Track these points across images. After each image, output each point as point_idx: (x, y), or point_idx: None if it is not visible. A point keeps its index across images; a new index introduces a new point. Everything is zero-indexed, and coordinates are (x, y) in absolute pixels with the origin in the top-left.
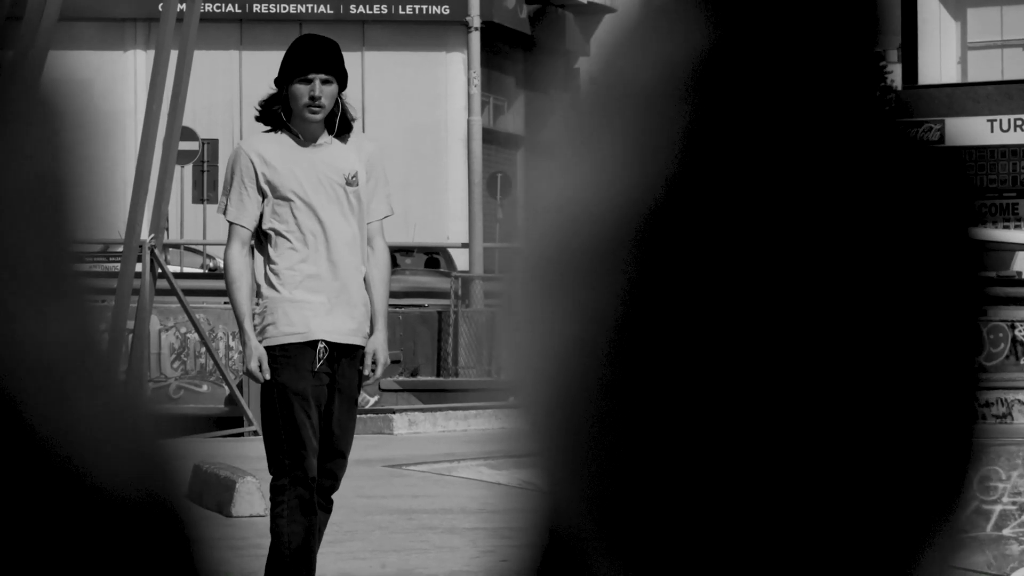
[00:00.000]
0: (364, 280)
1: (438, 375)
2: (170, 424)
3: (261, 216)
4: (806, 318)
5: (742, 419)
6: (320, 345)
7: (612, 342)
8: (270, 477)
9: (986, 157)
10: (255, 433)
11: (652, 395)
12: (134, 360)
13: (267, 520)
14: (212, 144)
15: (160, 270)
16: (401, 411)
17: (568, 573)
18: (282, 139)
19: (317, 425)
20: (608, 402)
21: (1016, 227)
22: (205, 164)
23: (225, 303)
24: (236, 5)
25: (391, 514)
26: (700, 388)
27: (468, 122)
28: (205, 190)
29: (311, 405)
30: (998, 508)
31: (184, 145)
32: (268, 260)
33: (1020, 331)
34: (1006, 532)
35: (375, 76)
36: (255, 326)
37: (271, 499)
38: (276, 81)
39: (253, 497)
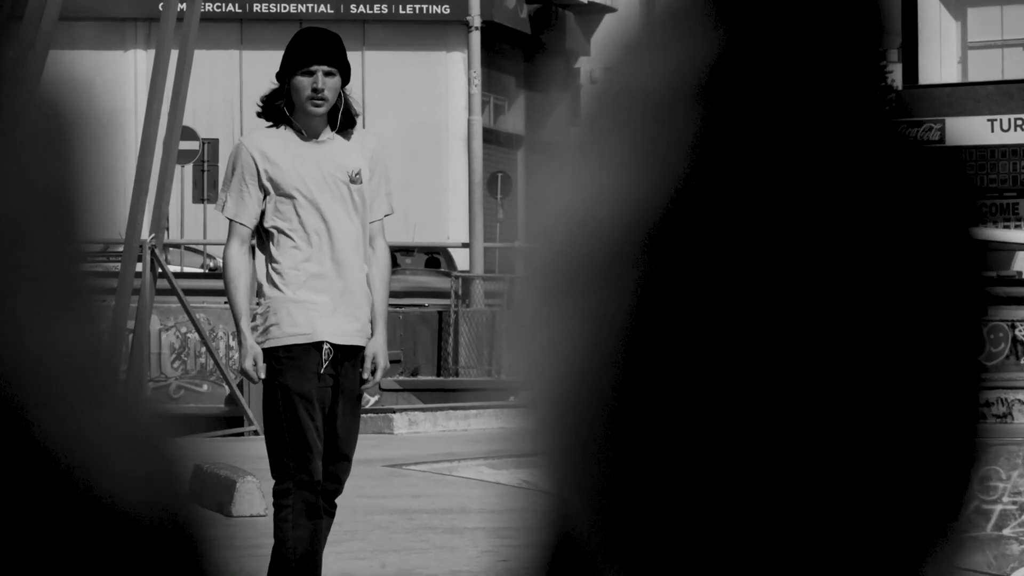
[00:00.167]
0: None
1: (438, 375)
2: (175, 426)
3: (264, 214)
4: (812, 321)
5: (748, 422)
6: (325, 347)
7: (621, 347)
8: (271, 477)
9: (986, 157)
10: (255, 433)
11: (660, 400)
12: (134, 360)
13: (267, 520)
14: (212, 144)
15: (160, 270)
16: (401, 411)
17: (575, 575)
18: (285, 134)
19: (321, 428)
20: (616, 406)
21: (1016, 227)
22: (205, 164)
23: (226, 303)
24: (236, 5)
25: (391, 514)
26: (707, 392)
27: (468, 122)
28: (205, 190)
29: (315, 407)
30: (998, 508)
31: (184, 145)
32: (270, 259)
33: (1020, 331)
34: (1006, 532)
35: (375, 76)
36: (256, 326)
37: (275, 504)
38: (278, 75)
39: (253, 497)
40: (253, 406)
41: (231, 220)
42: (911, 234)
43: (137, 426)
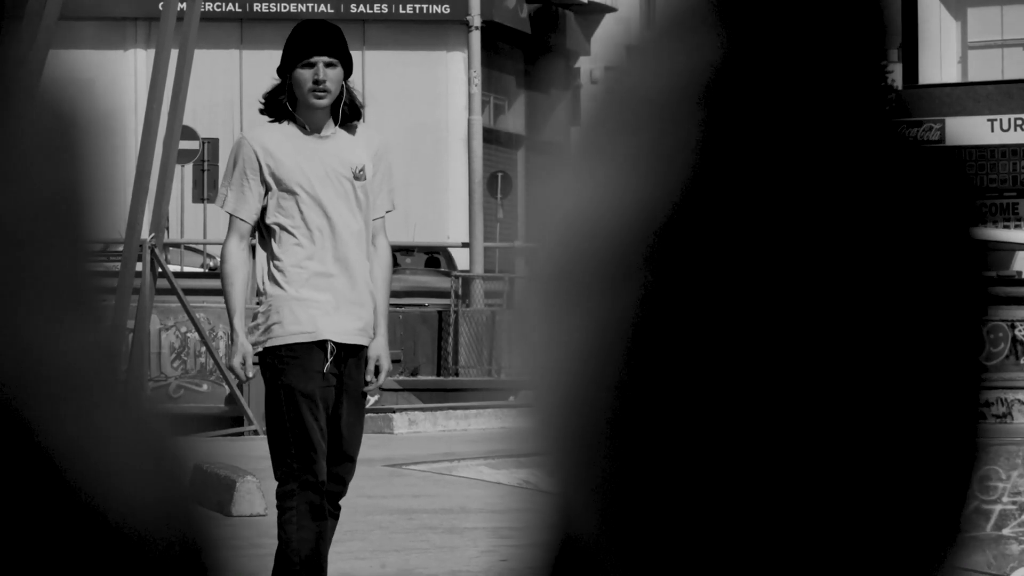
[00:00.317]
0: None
1: (438, 374)
2: (178, 425)
3: (265, 210)
4: (814, 321)
5: (751, 422)
6: (329, 346)
7: (625, 348)
8: (270, 476)
9: (986, 157)
10: (255, 432)
11: (664, 401)
12: (134, 360)
13: (267, 520)
14: (212, 143)
15: (160, 269)
16: (401, 410)
17: (580, 575)
18: (287, 129)
19: (325, 428)
20: (620, 407)
21: (1016, 227)
22: (205, 163)
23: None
24: (236, 4)
25: (391, 514)
26: (710, 392)
27: (468, 121)
28: (205, 189)
29: (319, 407)
30: (998, 508)
31: (184, 144)
32: (272, 256)
33: (1020, 331)
34: (1006, 532)
35: (375, 75)
36: (258, 325)
37: (279, 506)
38: (279, 70)
39: (253, 497)
40: (253, 406)
41: (231, 215)
42: (911, 234)
43: (141, 426)
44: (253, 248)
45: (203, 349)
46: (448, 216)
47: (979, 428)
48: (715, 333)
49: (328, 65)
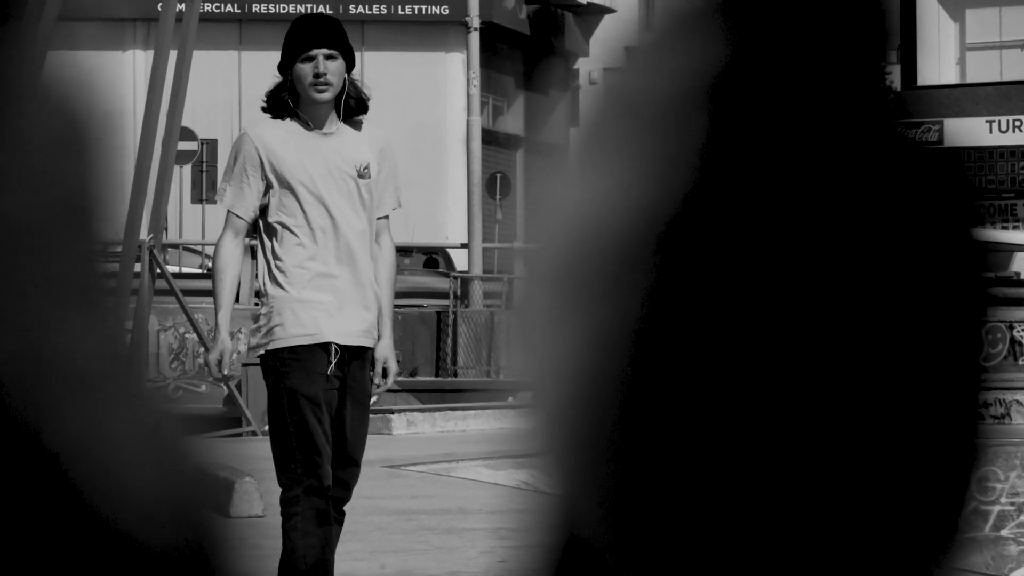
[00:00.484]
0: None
1: (437, 375)
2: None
3: (267, 209)
4: (815, 322)
5: (752, 421)
6: (332, 348)
7: (630, 349)
8: (269, 477)
9: (985, 158)
10: (253, 433)
11: (669, 400)
12: (133, 361)
13: (266, 521)
14: (211, 144)
15: (159, 270)
16: (400, 411)
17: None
18: (290, 126)
19: (329, 432)
20: (625, 407)
21: (1015, 228)
22: (204, 164)
23: None
24: (235, 5)
25: (390, 515)
26: (712, 392)
27: (467, 122)
28: (204, 190)
29: (323, 410)
30: (996, 509)
31: (183, 145)
32: (274, 256)
33: (1018, 332)
34: (1004, 533)
35: (374, 76)
36: (259, 327)
37: (283, 512)
38: (279, 67)
39: (252, 498)
40: (252, 407)
41: (228, 211)
42: (911, 235)
43: (149, 427)
44: (253, 249)
45: (202, 350)
46: (447, 217)
47: (978, 429)
48: (717, 333)
49: (328, 58)
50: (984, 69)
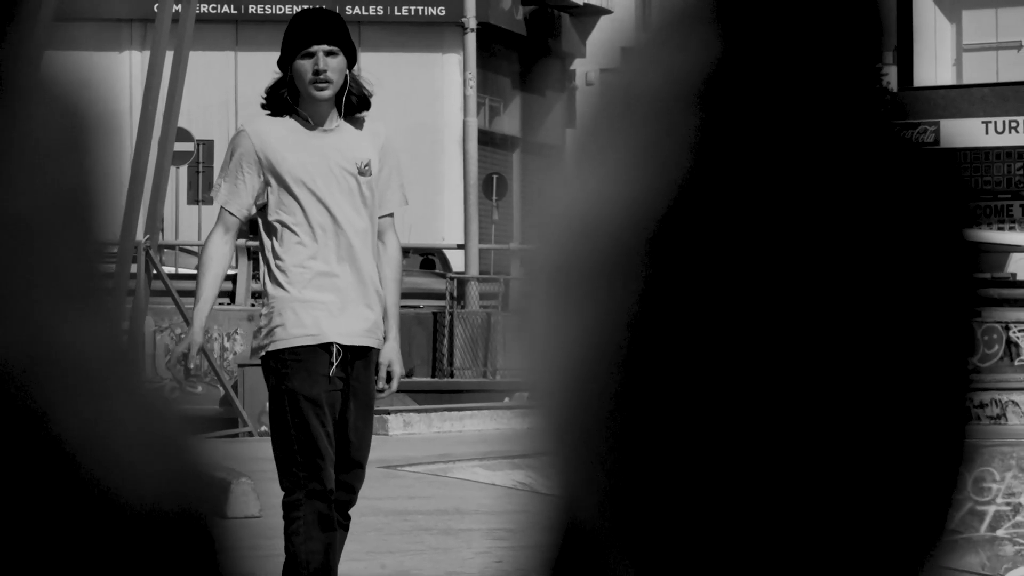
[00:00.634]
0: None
1: (433, 376)
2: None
3: (266, 207)
4: (808, 321)
5: (746, 417)
6: (334, 348)
7: (626, 345)
8: (265, 478)
9: (981, 159)
10: (249, 434)
11: (666, 396)
12: None
13: (262, 522)
14: (207, 145)
15: (155, 271)
16: (396, 412)
17: (586, 573)
18: (289, 123)
19: (332, 434)
20: (622, 403)
21: (1010, 229)
22: (200, 165)
23: (220, 304)
24: (232, 6)
25: (386, 515)
26: (706, 389)
27: (464, 123)
28: (200, 191)
29: (325, 412)
30: (992, 509)
31: (179, 146)
32: (275, 256)
33: (1014, 332)
34: (1000, 533)
35: (371, 77)
36: (260, 328)
37: (285, 516)
38: (279, 63)
39: (248, 498)
40: (248, 407)
41: (221, 207)
42: (905, 235)
43: (156, 423)
44: (250, 250)
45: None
46: (443, 218)
47: (968, 429)
48: (711, 331)
49: (329, 54)
50: (980, 70)
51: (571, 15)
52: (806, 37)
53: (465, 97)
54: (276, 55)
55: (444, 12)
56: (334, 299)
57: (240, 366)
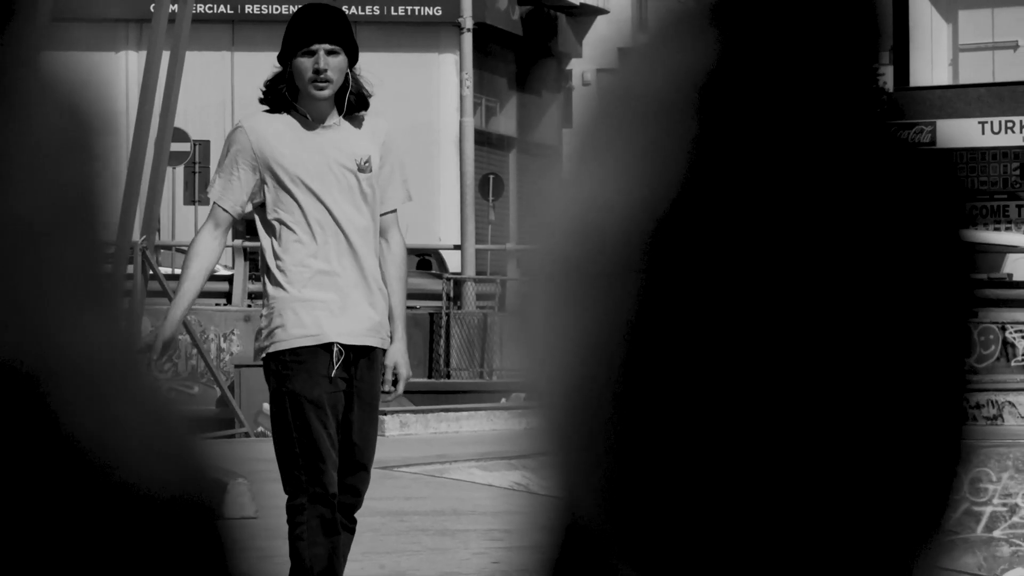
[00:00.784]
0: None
1: (429, 377)
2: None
3: (264, 206)
4: (806, 321)
5: (746, 418)
6: (335, 348)
7: (626, 347)
8: (261, 478)
9: (977, 159)
10: (246, 435)
11: (664, 396)
12: None
13: (257, 522)
14: (204, 145)
15: (151, 271)
16: (392, 413)
17: (586, 573)
18: (287, 119)
19: (335, 436)
20: (622, 404)
21: (1007, 229)
22: (197, 165)
23: (216, 304)
24: (228, 6)
25: (383, 516)
26: (706, 389)
27: (460, 123)
28: (197, 191)
29: (328, 414)
30: (988, 510)
31: (176, 146)
32: (275, 256)
33: (1011, 333)
34: (996, 534)
35: (367, 77)
36: (261, 330)
37: (288, 521)
38: (279, 57)
39: (244, 499)
40: (244, 408)
41: (213, 202)
42: (901, 236)
43: (163, 423)
44: (245, 251)
45: (194, 351)
46: (439, 218)
47: (965, 428)
48: (710, 332)
49: (330, 53)
50: (977, 70)
51: (567, 15)
52: (804, 40)
53: (461, 97)
54: (273, 55)
55: (440, 12)
56: (335, 298)
57: (237, 366)
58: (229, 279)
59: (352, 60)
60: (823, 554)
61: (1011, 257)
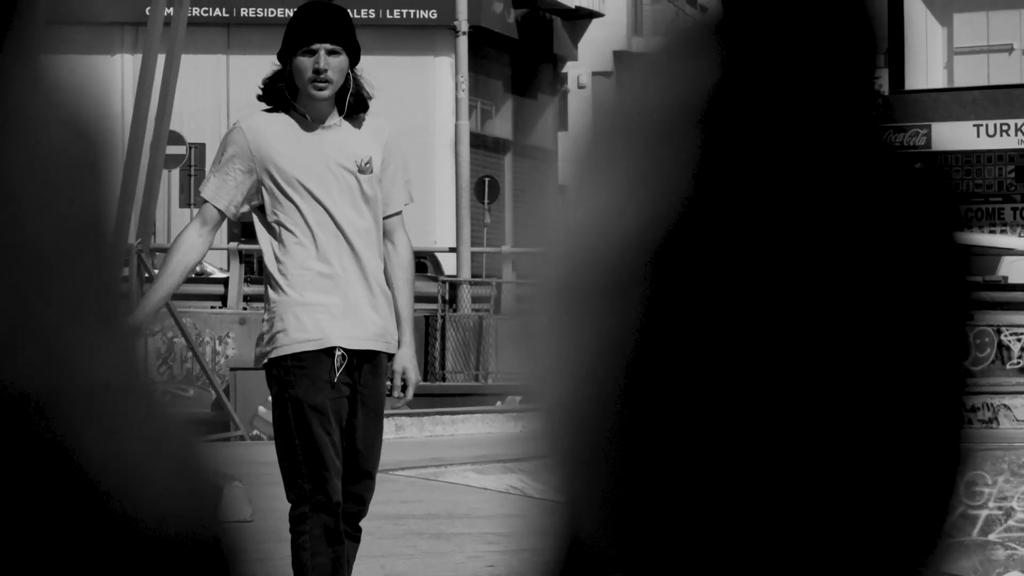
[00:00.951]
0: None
1: (425, 380)
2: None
3: (263, 208)
4: (805, 329)
5: (747, 426)
6: (338, 353)
7: (628, 357)
8: (257, 481)
9: (972, 162)
10: (241, 438)
11: (667, 406)
12: None
13: (253, 525)
14: (199, 148)
15: (147, 274)
16: (388, 416)
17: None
18: (286, 119)
19: (339, 443)
20: (625, 412)
21: (1002, 232)
22: (192, 168)
23: (212, 307)
24: (223, 9)
25: (378, 519)
26: (708, 398)
27: (455, 126)
28: (192, 194)
29: (331, 420)
30: (984, 513)
31: (171, 149)
32: (276, 259)
33: (1006, 336)
34: (992, 537)
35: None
36: (263, 335)
37: (291, 530)
38: (279, 55)
39: (240, 502)
40: (240, 411)
41: (205, 200)
42: (896, 240)
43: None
44: (241, 253)
45: (190, 354)
46: (435, 221)
47: (963, 432)
48: (712, 341)
49: (331, 53)
50: (972, 73)
51: (563, 18)
52: (803, 56)
53: (457, 100)
54: (268, 58)
55: (436, 15)
56: (337, 301)
57: (232, 369)
58: (224, 282)
59: (354, 61)
60: (825, 568)
61: (1006, 260)
